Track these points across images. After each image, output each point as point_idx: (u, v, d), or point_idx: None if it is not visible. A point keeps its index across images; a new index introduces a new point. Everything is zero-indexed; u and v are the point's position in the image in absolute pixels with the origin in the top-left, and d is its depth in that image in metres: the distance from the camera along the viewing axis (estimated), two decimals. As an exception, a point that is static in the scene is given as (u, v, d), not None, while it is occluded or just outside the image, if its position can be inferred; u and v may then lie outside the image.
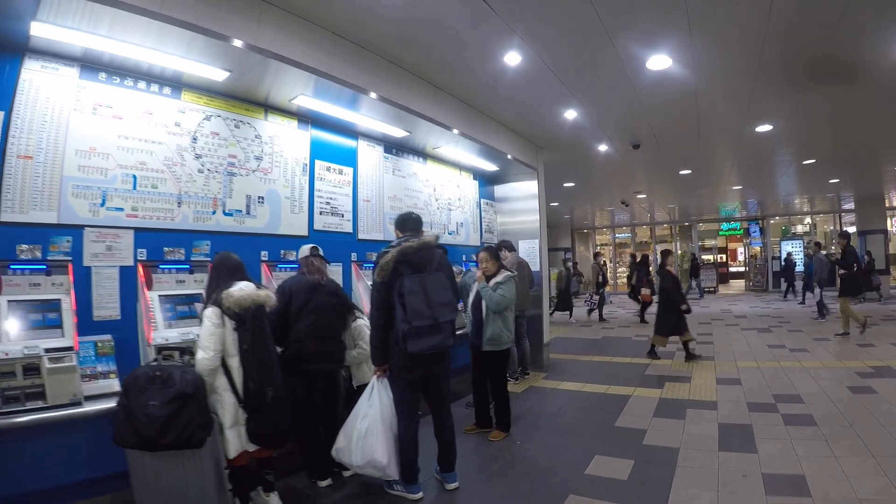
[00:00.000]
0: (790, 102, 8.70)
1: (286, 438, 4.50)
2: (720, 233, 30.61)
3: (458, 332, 5.43)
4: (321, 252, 5.55)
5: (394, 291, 4.65)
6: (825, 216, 28.86)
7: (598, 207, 24.26)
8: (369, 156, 7.90)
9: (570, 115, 8.91)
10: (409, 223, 5.29)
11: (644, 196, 19.60)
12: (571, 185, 16.09)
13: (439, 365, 4.95)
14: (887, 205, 23.17)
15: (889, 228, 24.23)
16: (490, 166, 10.20)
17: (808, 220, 29.31)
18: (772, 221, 28.88)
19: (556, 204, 20.71)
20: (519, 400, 8.01)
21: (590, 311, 18.11)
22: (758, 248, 29.13)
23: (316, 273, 5.33)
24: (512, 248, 9.36)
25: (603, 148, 11.17)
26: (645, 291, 16.56)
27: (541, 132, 10.09)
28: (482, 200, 10.85)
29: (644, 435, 6.25)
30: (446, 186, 9.68)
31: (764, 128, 10.05)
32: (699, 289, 25.73)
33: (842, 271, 12.32)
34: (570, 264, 18.78)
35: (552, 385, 9.01)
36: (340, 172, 7.31)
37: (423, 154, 9.08)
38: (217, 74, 5.24)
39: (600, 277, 17.75)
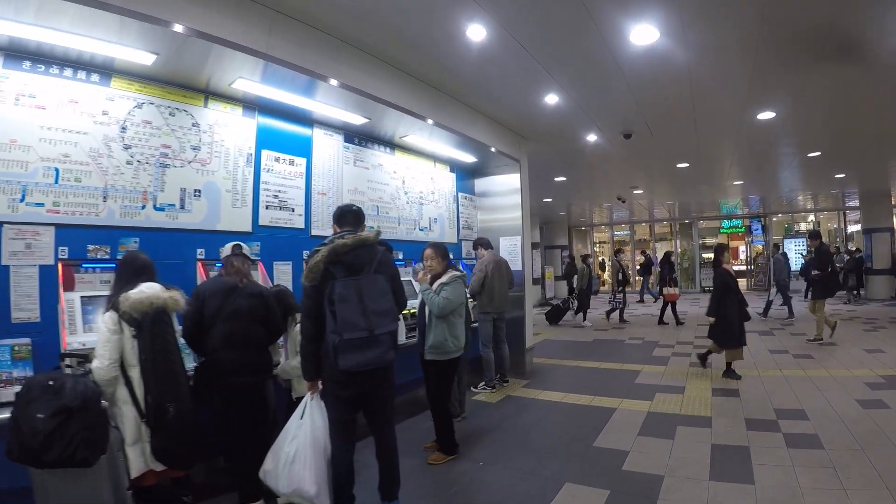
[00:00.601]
0: (793, 85, 7.89)
1: (194, 458, 4.16)
2: (721, 230, 29.69)
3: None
4: (245, 250, 5.00)
5: (325, 297, 4.01)
6: (829, 214, 28.22)
7: (594, 204, 23.40)
8: (326, 145, 7.29)
9: (551, 99, 8.18)
10: (347, 217, 4.63)
11: (641, 192, 18.77)
12: (563, 179, 15.35)
13: (378, 382, 4.26)
14: (894, 202, 22.38)
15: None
16: (468, 157, 9.52)
17: (811, 217, 28.54)
18: (774, 219, 28.23)
19: (549, 200, 20.01)
20: (492, 411, 7.49)
21: (609, 313, 16.99)
22: (760, 247, 28.36)
23: (234, 274, 4.69)
24: (488, 245, 8.81)
25: (592, 138, 10.43)
26: (670, 291, 15.50)
27: (522, 120, 9.39)
28: (460, 194, 10.15)
29: (625, 458, 5.52)
30: (418, 179, 9.01)
31: (766, 115, 9.22)
32: (650, 290, 25.18)
33: (815, 272, 11.73)
34: (590, 260, 17.09)
35: (532, 394, 8.34)
36: (292, 163, 6.73)
37: (390, 144, 8.45)
38: (144, 58, 4.79)
39: (620, 276, 16.59)
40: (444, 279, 5.76)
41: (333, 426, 4.17)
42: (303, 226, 6.80)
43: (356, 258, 4.15)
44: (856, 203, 23.91)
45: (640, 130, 10.00)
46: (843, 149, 12.42)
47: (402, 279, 4.74)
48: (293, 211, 6.65)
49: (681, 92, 8.10)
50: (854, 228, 26.92)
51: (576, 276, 16.72)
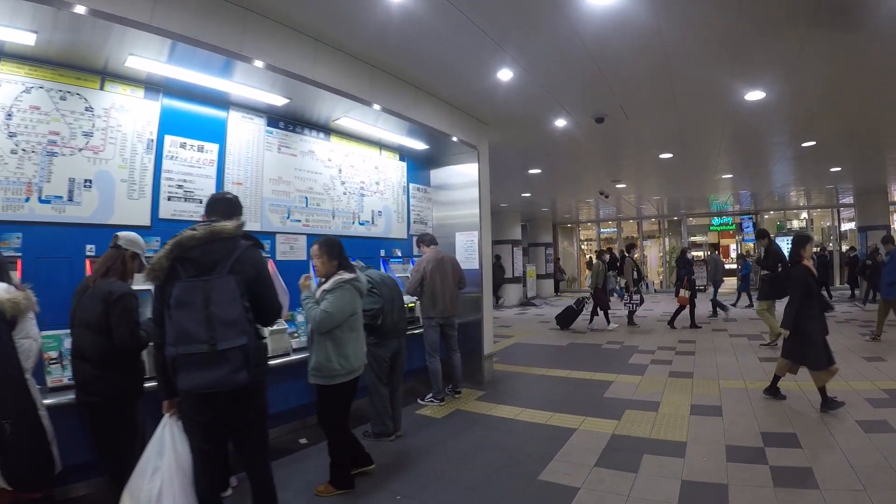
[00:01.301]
0: (783, 57, 6.89)
1: (47, 480, 3.55)
2: (711, 228, 28.90)
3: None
4: (126, 241, 4.29)
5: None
6: (822, 211, 27.51)
7: (576, 199, 22.36)
8: (244, 129, 6.51)
9: (505, 75, 7.20)
10: (218, 206, 3.99)
11: (623, 186, 17.70)
12: (538, 171, 14.31)
13: (237, 408, 3.36)
14: (891, 199, 21.86)
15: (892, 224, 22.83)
16: (419, 144, 8.54)
17: (804, 214, 27.96)
18: (766, 216, 27.49)
19: (528, 195, 18.97)
20: (434, 429, 6.58)
21: (631, 316, 15.14)
22: (751, 245, 27.41)
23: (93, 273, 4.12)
24: (432, 241, 7.91)
25: (561, 123, 9.44)
26: (683, 294, 14.21)
27: (479, 102, 8.41)
28: (412, 185, 9.17)
29: (573, 498, 4.51)
30: (359, 168, 8.08)
31: (755, 95, 8.19)
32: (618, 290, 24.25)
33: (763, 272, 11.24)
34: (606, 256, 15.48)
35: (484, 409, 7.36)
36: (201, 149, 5.98)
37: (324, 128, 7.55)
38: (23, 37, 4.31)
39: (635, 273, 15.04)
40: (327, 285, 4.74)
41: (195, 456, 3.38)
42: (211, 219, 5.88)
43: (206, 254, 3.31)
44: (850, 200, 23.41)
45: (613, 114, 8.99)
46: (841, 138, 11.50)
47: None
48: (201, 203, 5.67)
49: (655, 66, 7.11)
50: (848, 227, 26.49)
51: (589, 275, 15.28)
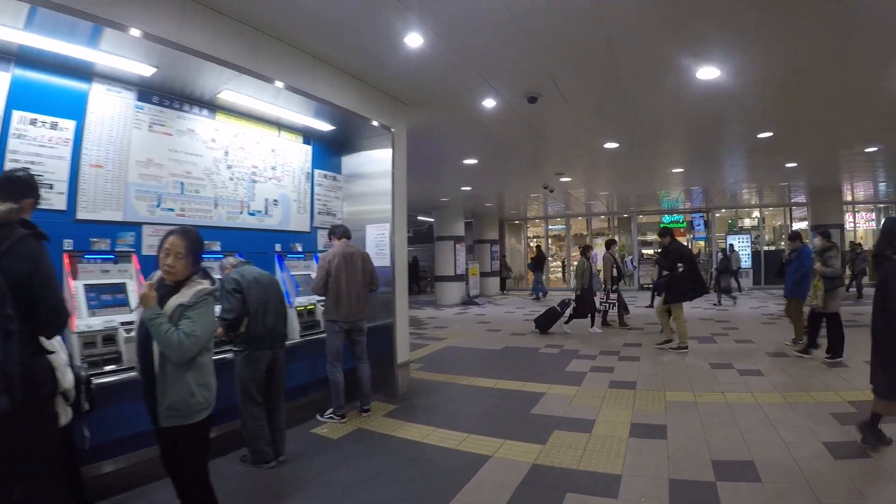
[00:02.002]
0: (742, 28, 6.06)
1: None
2: (661, 225, 28.06)
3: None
4: None
5: None
6: (774, 210, 27.47)
7: (521, 194, 21.43)
8: (109, 104, 5.50)
9: (414, 41, 6.20)
10: (4, 188, 3.27)
11: (569, 180, 16.83)
12: (473, 162, 13.37)
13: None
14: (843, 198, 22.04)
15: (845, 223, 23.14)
16: (324, 125, 7.57)
17: (756, 213, 27.63)
18: (717, 214, 27.24)
19: (468, 188, 18.04)
20: (326, 453, 5.72)
21: (604, 315, 14.33)
22: (702, 243, 27.21)
23: None
24: (343, 234, 7.03)
25: (490, 104, 8.47)
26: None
27: (393, 77, 7.46)
28: (318, 171, 8.16)
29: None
30: (251, 150, 7.06)
31: (708, 72, 7.32)
32: (541, 286, 24.10)
33: (664, 273, 11.13)
34: (592, 253, 14.35)
35: (390, 428, 6.46)
36: (54, 126, 5.04)
37: (209, 105, 6.49)
38: None
39: (615, 272, 14.10)
40: (185, 297, 3.38)
41: None
42: (64, 206, 5.07)
43: None
44: (802, 199, 23.53)
45: (548, 94, 8.07)
46: (798, 131, 10.88)
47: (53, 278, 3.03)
48: (51, 188, 4.96)
49: (592, 37, 6.23)
50: (800, 225, 26.23)
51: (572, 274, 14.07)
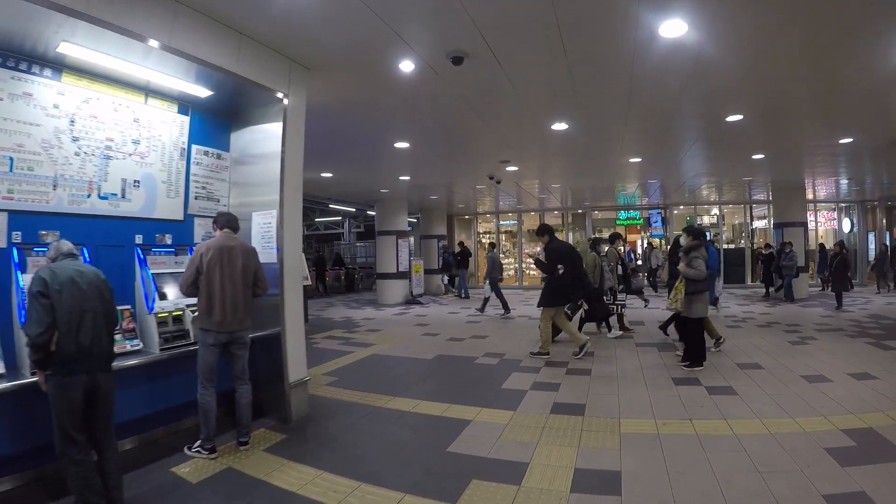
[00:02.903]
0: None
1: None
2: (618, 222, 27.46)
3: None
4: None
5: None
6: (734, 208, 26.89)
7: (466, 186, 19.91)
8: None
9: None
10: None
11: (515, 169, 15.49)
12: (405, 146, 12.07)
13: None
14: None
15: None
16: (200, 90, 6.29)
17: (715, 210, 27.07)
18: (675, 211, 26.48)
19: (406, 178, 16.76)
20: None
21: (620, 317, 12.90)
22: (659, 240, 26.42)
23: None
24: (227, 223, 5.91)
25: (408, 67, 7.17)
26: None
27: (286, 31, 6.13)
28: (196, 148, 6.85)
29: None
30: (106, 119, 5.76)
31: (670, 27, 6.07)
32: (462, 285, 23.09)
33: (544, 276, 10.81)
34: (603, 247, 12.49)
35: (266, 469, 5.23)
36: None
37: (53, 63, 5.24)
38: None
39: (620, 269, 12.70)
40: None
41: None
42: None
43: None
44: (763, 197, 23.34)
45: (477, 53, 6.76)
46: (773, 112, 9.89)
47: None
48: None
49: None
50: (759, 224, 26.41)
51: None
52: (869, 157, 14.36)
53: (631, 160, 14.23)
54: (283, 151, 6.63)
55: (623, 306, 12.67)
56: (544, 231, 10.53)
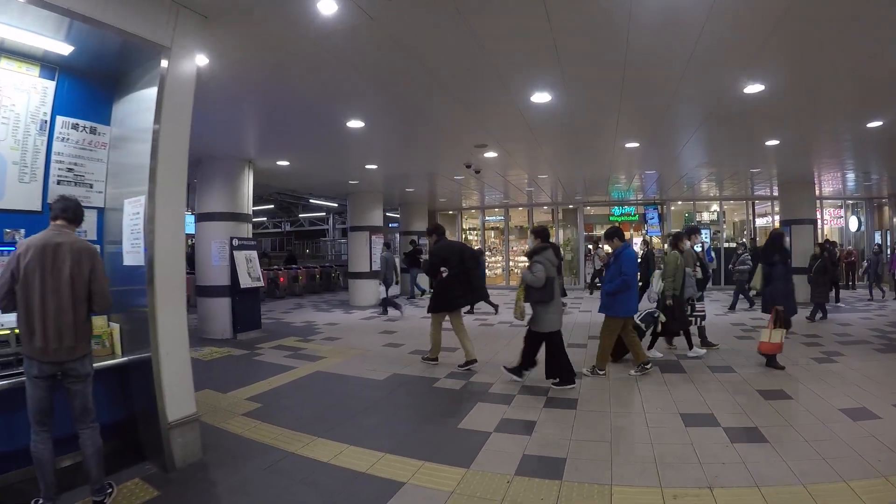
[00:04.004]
0: None
1: None
2: (611, 218, 25.58)
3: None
4: None
5: None
6: (736, 204, 25.20)
7: (445, 176, 17.57)
8: None
9: None
10: None
11: (495, 155, 13.42)
12: (359, 125, 10.09)
13: None
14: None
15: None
16: (58, 46, 4.78)
17: (714, 206, 25.25)
18: (673, 207, 24.74)
19: (373, 167, 14.80)
20: None
21: (702, 330, 10.54)
22: (656, 238, 24.66)
23: None
24: (62, 211, 4.29)
25: (328, 7, 5.31)
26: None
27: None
28: (62, 119, 5.24)
29: None
30: None
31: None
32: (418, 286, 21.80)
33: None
34: (685, 244, 10.10)
35: None
36: None
37: None
38: None
39: (698, 271, 10.39)
40: None
41: None
42: None
43: None
44: (766, 192, 21.88)
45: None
46: (802, 83, 8.06)
47: None
48: None
49: None
50: (762, 221, 24.79)
51: (655, 275, 10.11)
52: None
53: (627, 145, 12.25)
54: (156, 121, 4.92)
55: (703, 318, 10.40)
56: (432, 231, 9.78)
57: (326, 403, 7.28)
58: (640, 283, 12.15)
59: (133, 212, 5.00)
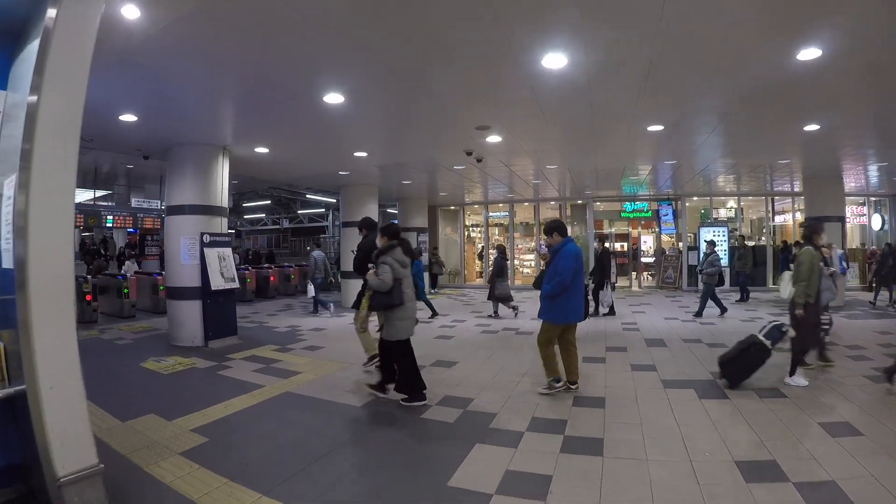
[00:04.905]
0: None
1: None
2: (623, 214, 23.97)
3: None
4: None
5: None
6: (755, 200, 23.49)
7: (445, 166, 15.82)
8: None
9: None
10: None
11: (499, 140, 11.56)
12: (338, 100, 8.37)
13: None
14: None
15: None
16: None
17: (731, 203, 23.71)
18: (688, 203, 23.13)
19: (362, 154, 13.08)
20: None
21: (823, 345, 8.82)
22: (669, 236, 23.43)
23: None
24: None
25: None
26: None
27: None
28: None
29: None
30: None
31: None
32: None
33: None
34: (823, 243, 8.81)
35: None
36: None
37: None
38: None
39: (829, 268, 8.90)
40: None
41: None
42: None
43: None
44: (787, 188, 20.85)
45: None
46: (866, 48, 6.43)
47: None
48: None
49: None
50: (782, 219, 23.41)
51: (784, 277, 8.17)
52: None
53: (650, 128, 10.56)
54: (35, 87, 3.65)
55: (827, 332, 8.86)
56: (363, 224, 9.19)
57: (285, 441, 5.72)
58: (594, 284, 12.48)
59: (7, 195, 3.56)
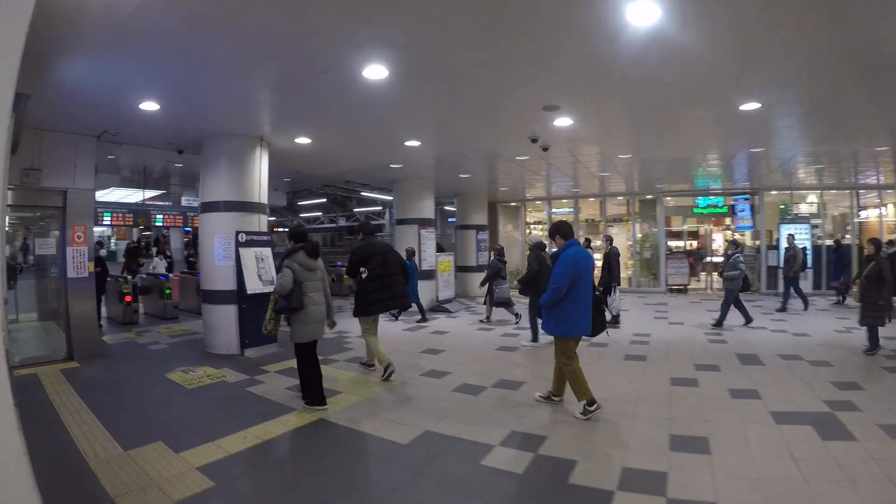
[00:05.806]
0: None
1: None
2: (695, 210, 22.20)
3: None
4: None
5: None
6: (838, 193, 21.00)
7: (505, 156, 14.10)
8: None
9: None
10: None
11: (570, 123, 9.89)
12: (382, 75, 6.94)
13: None
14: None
15: None
16: None
17: (812, 197, 21.41)
18: (766, 198, 20.99)
19: (415, 143, 11.68)
20: None
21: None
22: (744, 234, 21.51)
23: None
24: None
25: None
26: None
27: None
28: None
29: None
30: None
31: None
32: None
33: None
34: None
35: None
36: None
37: None
38: None
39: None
40: None
41: None
42: None
43: None
44: (873, 181, 18.52)
45: None
46: None
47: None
48: None
49: None
50: (867, 214, 20.85)
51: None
52: None
53: (743, 107, 8.78)
54: None
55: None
56: (360, 227, 9.06)
57: (301, 494, 4.46)
58: (601, 289, 10.71)
59: None
